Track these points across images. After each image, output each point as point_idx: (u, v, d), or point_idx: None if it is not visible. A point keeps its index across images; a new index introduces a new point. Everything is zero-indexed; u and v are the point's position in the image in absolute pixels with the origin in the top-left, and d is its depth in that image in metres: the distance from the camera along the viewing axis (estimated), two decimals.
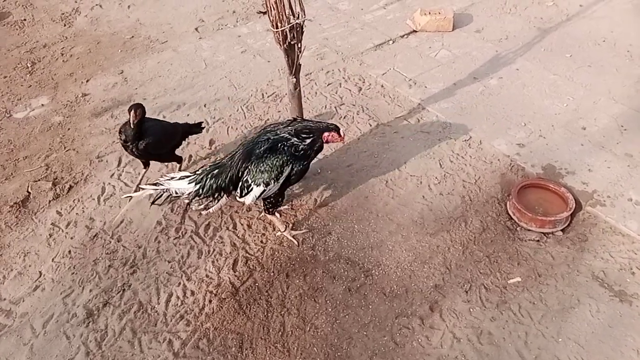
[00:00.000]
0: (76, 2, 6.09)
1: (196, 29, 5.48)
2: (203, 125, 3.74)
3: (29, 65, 5.04)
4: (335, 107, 4.27)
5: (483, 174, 3.57)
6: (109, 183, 3.66)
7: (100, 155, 3.89)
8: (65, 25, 5.69)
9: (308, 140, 2.97)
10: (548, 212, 3.23)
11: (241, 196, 3.02)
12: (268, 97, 4.44)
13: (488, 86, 4.39)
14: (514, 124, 3.97)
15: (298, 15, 2.80)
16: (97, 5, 5.99)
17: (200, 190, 2.98)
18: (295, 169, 2.98)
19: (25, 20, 5.80)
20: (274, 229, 3.24)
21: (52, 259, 3.14)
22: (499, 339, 2.63)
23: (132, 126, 3.10)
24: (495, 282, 2.90)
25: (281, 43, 2.87)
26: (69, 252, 3.19)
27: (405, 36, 5.16)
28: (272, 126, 3.10)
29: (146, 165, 3.51)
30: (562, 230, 3.18)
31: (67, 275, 3.05)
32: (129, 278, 3.01)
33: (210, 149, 3.93)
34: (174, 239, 3.24)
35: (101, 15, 5.81)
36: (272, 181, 2.92)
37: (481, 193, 3.44)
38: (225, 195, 3.02)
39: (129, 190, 3.58)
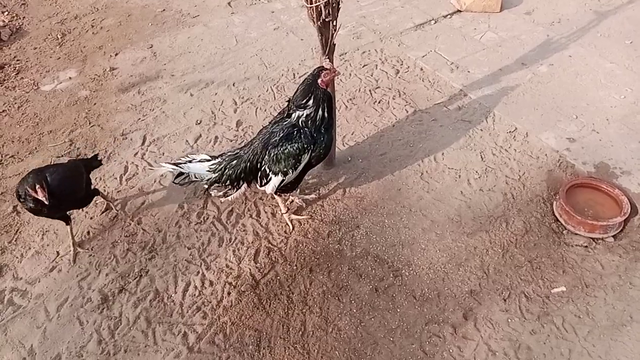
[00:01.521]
0: None
1: (229, 3, 5.28)
2: (100, 158, 3.24)
3: (59, 36, 4.95)
4: (369, 91, 4.02)
5: (528, 169, 3.29)
6: (132, 162, 3.54)
7: (124, 133, 3.77)
8: None
9: (310, 102, 2.70)
10: (599, 216, 2.94)
11: (261, 185, 2.87)
12: (300, 77, 4.22)
13: (537, 73, 4.05)
14: (565, 116, 3.65)
15: None
16: None
17: (219, 179, 2.84)
18: (314, 154, 2.79)
19: None
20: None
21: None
22: (538, 355, 2.39)
23: (46, 202, 2.59)
24: (537, 291, 2.65)
25: (315, 20, 2.64)
26: (88, 232, 3.09)
27: (449, 16, 4.82)
28: (281, 114, 2.90)
29: (67, 220, 2.95)
30: (613, 236, 2.89)
31: (84, 257, 2.95)
32: (147, 264, 2.89)
33: (237, 130, 3.75)
34: (195, 224, 3.10)
35: None
36: (290, 170, 2.77)
37: (525, 191, 3.17)
38: (244, 184, 2.88)
39: (152, 171, 3.45)
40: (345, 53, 4.44)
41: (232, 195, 2.90)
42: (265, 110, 3.91)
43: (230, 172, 2.82)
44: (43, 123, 3.93)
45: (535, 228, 2.96)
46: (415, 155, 3.43)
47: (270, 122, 2.93)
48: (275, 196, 3.03)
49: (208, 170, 2.84)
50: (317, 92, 2.70)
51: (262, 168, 2.80)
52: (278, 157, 2.73)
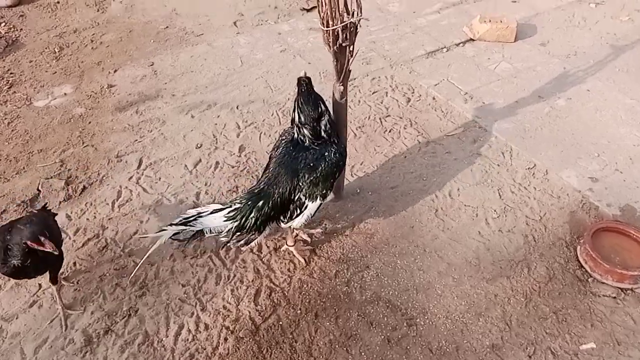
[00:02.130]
0: None
1: (234, 23, 5.12)
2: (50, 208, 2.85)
3: (56, 50, 4.76)
4: (380, 119, 3.83)
5: (549, 210, 3.08)
6: (126, 187, 3.30)
7: (119, 155, 3.54)
8: (98, 10, 5.40)
9: (323, 107, 2.59)
10: (626, 263, 2.73)
11: (291, 219, 2.59)
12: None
13: (555, 107, 3.88)
14: (585, 154, 3.46)
15: (353, 13, 2.37)
16: None
17: (245, 225, 2.47)
18: (343, 164, 2.69)
19: (58, 2, 5.55)
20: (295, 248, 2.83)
21: None
22: None
23: (56, 252, 2.26)
24: (565, 347, 2.41)
25: (331, 44, 2.45)
26: (74, 263, 2.84)
27: (461, 44, 4.68)
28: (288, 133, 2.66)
29: (55, 280, 2.55)
30: None
31: (69, 291, 2.70)
32: (137, 301, 2.64)
33: (240, 156, 3.54)
34: (191, 258, 2.86)
35: (136, 2, 5.50)
36: (329, 190, 2.59)
37: (547, 233, 2.95)
38: (271, 224, 2.57)
39: (148, 197, 3.23)
40: (355, 79, 4.26)
41: (255, 241, 2.57)
42: (269, 136, 3.70)
43: (257, 214, 2.47)
44: (33, 141, 3.71)
45: (559, 275, 2.74)
46: (428, 189, 3.22)
47: (276, 149, 2.65)
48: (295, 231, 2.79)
49: (226, 220, 2.45)
50: (319, 95, 2.59)
51: (297, 197, 2.54)
52: (316, 180, 2.51)
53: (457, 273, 2.74)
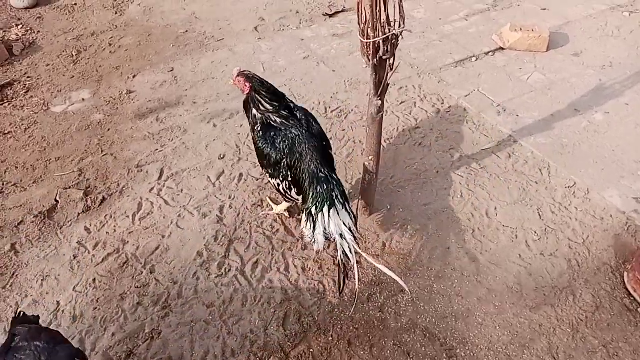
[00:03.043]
0: None
1: (255, 28, 4.99)
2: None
3: (74, 53, 4.65)
4: (409, 131, 3.68)
5: (592, 232, 2.92)
6: (147, 199, 3.18)
7: (140, 165, 3.41)
8: (116, 13, 5.30)
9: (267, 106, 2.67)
10: None
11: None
12: (332, 112, 3.89)
13: (592, 121, 3.71)
14: (628, 172, 3.29)
15: (397, 24, 2.23)
16: None
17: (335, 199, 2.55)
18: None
19: (76, 4, 5.45)
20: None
21: (74, 288, 2.67)
22: None
23: None
24: None
25: (370, 57, 2.30)
26: (94, 280, 2.71)
27: (491, 53, 4.52)
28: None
29: None
30: None
31: (88, 310, 2.57)
32: (160, 323, 2.50)
33: None
34: (216, 276, 2.72)
35: (155, 5, 5.40)
36: None
37: (591, 257, 2.79)
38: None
39: (170, 210, 3.09)
40: None
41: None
42: None
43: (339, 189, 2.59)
44: (51, 148, 3.59)
45: (606, 304, 2.57)
46: (464, 208, 3.06)
47: (272, 144, 2.62)
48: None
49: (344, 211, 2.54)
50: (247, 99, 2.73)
51: (329, 154, 2.73)
52: (324, 133, 2.78)
53: (498, 300, 2.58)
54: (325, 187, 2.53)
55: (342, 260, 2.50)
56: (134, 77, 4.31)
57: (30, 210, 3.10)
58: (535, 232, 2.92)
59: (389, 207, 3.11)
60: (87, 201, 3.16)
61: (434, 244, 2.87)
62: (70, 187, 3.25)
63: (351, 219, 2.53)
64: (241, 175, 3.34)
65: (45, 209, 3.10)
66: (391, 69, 2.37)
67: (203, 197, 3.19)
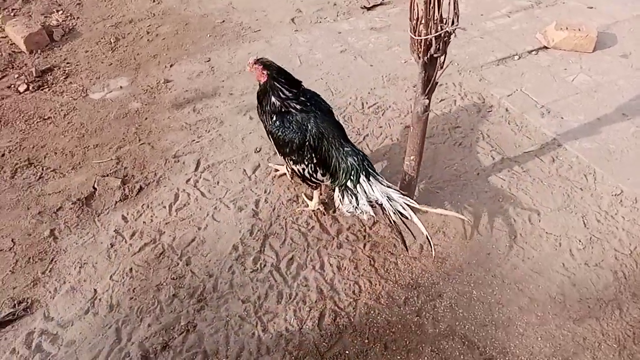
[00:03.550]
0: None
1: (292, 19, 4.94)
2: None
3: (112, 41, 4.67)
4: (449, 129, 3.59)
5: None
6: (184, 190, 3.17)
7: (177, 155, 3.41)
8: (154, 1, 5.31)
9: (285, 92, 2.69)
10: None
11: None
12: (369, 107, 3.83)
13: None
14: None
15: (451, 21, 2.15)
16: None
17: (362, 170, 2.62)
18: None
19: None
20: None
21: (111, 276, 2.68)
22: None
23: None
24: None
25: (421, 55, 2.24)
26: (130, 270, 2.72)
27: (535, 52, 4.38)
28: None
29: None
30: None
31: (125, 299, 2.58)
32: (195, 316, 2.50)
33: None
34: (251, 271, 2.71)
35: None
36: None
37: (639, 270, 2.68)
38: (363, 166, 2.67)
39: (206, 202, 3.09)
40: None
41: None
42: None
43: (366, 162, 2.64)
44: (89, 135, 3.62)
45: None
46: (505, 212, 2.98)
47: (292, 130, 2.66)
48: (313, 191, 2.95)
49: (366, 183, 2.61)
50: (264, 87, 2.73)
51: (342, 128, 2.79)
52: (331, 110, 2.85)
53: (540, 310, 2.50)
54: (356, 159, 2.60)
55: (395, 221, 2.54)
56: (171, 66, 4.31)
57: (69, 197, 3.13)
58: (580, 241, 2.82)
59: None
60: (124, 190, 3.17)
61: (474, 249, 2.79)
62: (108, 175, 3.27)
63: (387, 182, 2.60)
64: (277, 169, 3.30)
65: (84, 196, 3.13)
66: (441, 67, 2.30)
67: (239, 190, 3.17)
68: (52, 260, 2.77)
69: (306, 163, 2.68)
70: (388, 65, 4.26)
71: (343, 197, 2.63)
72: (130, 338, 2.41)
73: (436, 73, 2.31)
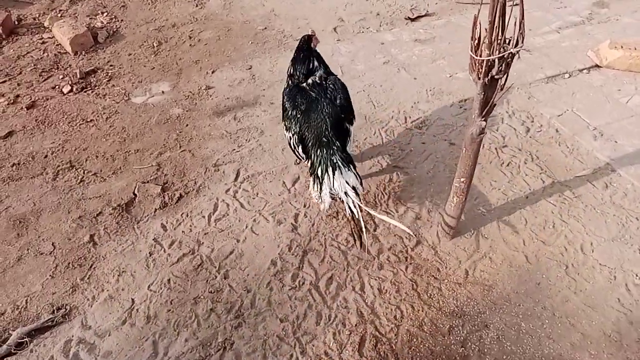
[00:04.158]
0: None
1: (334, 28, 4.88)
2: None
3: (155, 44, 4.70)
4: (495, 149, 3.47)
5: None
6: (223, 200, 3.14)
7: (217, 164, 3.38)
8: (197, 5, 5.33)
9: (316, 63, 2.98)
10: None
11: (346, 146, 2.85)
12: (412, 122, 3.73)
13: None
14: None
15: (515, 41, 2.05)
16: None
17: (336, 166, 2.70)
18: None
19: None
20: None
21: (149, 286, 2.66)
22: None
23: None
24: None
25: (481, 76, 2.14)
26: (168, 280, 2.69)
27: (586, 71, 4.21)
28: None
29: None
30: None
31: (162, 311, 2.55)
32: (232, 333, 2.45)
33: None
34: (290, 289, 2.64)
35: (235, 0, 5.38)
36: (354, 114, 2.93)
37: None
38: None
39: (245, 213, 3.04)
40: (465, 100, 3.92)
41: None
42: (371, 158, 3.43)
43: (342, 154, 2.72)
44: (131, 140, 3.62)
45: None
46: (556, 240, 2.84)
47: (295, 104, 2.85)
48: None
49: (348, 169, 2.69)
50: (317, 53, 2.98)
51: (346, 128, 2.85)
52: (349, 105, 2.90)
53: (594, 348, 2.36)
54: (325, 152, 2.68)
55: (352, 216, 2.61)
56: (212, 72, 4.30)
57: (109, 202, 3.13)
58: (637, 275, 2.66)
59: (472, 232, 2.93)
60: (164, 197, 3.15)
61: (523, 278, 2.67)
62: (148, 182, 3.26)
63: (356, 177, 2.65)
64: (298, 178, 3.23)
65: (124, 202, 3.12)
66: (502, 89, 2.19)
67: (278, 203, 3.11)
68: (91, 267, 2.76)
69: (292, 133, 2.83)
70: (432, 79, 4.16)
71: (313, 183, 2.72)
72: (167, 352, 2.37)
73: (495, 95, 2.20)
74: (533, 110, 3.78)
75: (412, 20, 4.98)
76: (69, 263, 2.77)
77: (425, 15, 5.03)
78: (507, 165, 3.34)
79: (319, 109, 2.78)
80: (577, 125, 3.64)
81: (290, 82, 2.98)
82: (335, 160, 2.65)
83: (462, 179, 2.59)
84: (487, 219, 3.00)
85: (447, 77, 4.16)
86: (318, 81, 2.91)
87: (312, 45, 3.00)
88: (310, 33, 3.04)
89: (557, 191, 3.14)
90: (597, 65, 4.25)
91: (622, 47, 4.15)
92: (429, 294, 2.61)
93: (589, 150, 3.42)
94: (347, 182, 2.61)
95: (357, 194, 2.62)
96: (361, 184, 2.68)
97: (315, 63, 2.96)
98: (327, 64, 3.03)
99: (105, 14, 5.15)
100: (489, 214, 3.03)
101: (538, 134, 3.58)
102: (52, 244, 2.88)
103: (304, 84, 2.91)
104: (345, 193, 2.61)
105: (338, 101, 2.84)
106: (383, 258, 2.80)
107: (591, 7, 5.09)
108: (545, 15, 4.99)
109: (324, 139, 2.72)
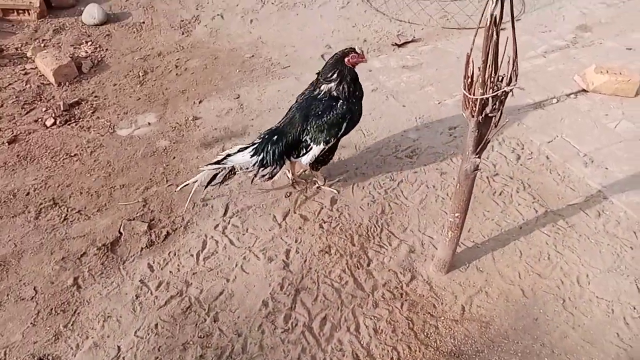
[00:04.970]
0: (197, 9, 5.70)
1: (322, 55, 4.87)
2: None
3: (140, 74, 4.64)
4: (487, 177, 3.44)
5: None
6: (212, 237, 3.06)
7: (205, 198, 3.31)
8: (183, 33, 5.29)
9: (334, 76, 2.96)
10: None
11: (297, 157, 3.10)
12: (402, 151, 3.70)
13: None
14: None
15: (507, 79, 2.03)
16: (218, 15, 5.56)
17: (265, 159, 3.01)
18: (350, 121, 3.06)
19: (143, 23, 5.48)
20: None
21: (135, 332, 2.55)
22: None
23: None
24: None
25: (475, 114, 2.11)
26: (156, 325, 2.59)
27: (573, 95, 4.23)
28: (313, 84, 3.12)
29: None
30: None
31: (149, 359, 2.44)
32: None
33: (332, 210, 3.24)
34: (282, 331, 2.56)
35: (221, 27, 5.36)
36: (332, 138, 3.04)
37: None
38: (286, 160, 3.09)
39: (235, 250, 2.97)
40: (455, 127, 3.91)
41: (277, 175, 3.08)
42: (363, 189, 3.39)
43: (274, 148, 3.00)
44: (116, 174, 3.54)
45: None
46: (552, 273, 2.80)
47: (301, 95, 3.18)
48: (314, 172, 3.31)
49: (252, 156, 2.99)
50: (343, 68, 2.96)
51: (303, 139, 3.05)
52: (321, 126, 2.99)
53: None
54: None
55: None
56: (199, 102, 4.25)
57: (94, 242, 3.03)
58: (634, 308, 2.63)
59: (467, 265, 2.88)
60: (150, 235, 3.06)
61: (520, 313, 2.62)
62: (134, 219, 3.17)
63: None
64: (306, 217, 3.18)
65: (109, 241, 3.03)
66: (495, 126, 2.16)
67: (269, 239, 3.04)
68: (75, 312, 2.65)
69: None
70: (421, 106, 4.15)
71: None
72: None
73: (490, 132, 2.18)
74: (523, 137, 3.78)
75: (399, 46, 4.99)
76: (51, 309, 2.66)
77: (412, 41, 5.05)
78: (500, 194, 3.32)
79: (290, 116, 3.11)
80: (567, 151, 3.63)
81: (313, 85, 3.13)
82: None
83: (456, 214, 2.54)
84: (481, 251, 2.96)
85: (435, 104, 4.15)
86: (315, 94, 3.06)
87: (345, 61, 2.96)
88: (358, 51, 2.97)
89: (550, 221, 3.11)
90: (584, 90, 4.27)
91: (607, 71, 4.19)
92: (425, 333, 2.54)
93: (580, 178, 3.41)
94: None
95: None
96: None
97: (334, 76, 2.98)
98: (348, 86, 3.00)
99: (90, 43, 5.09)
100: (483, 245, 2.99)
101: (529, 162, 3.56)
102: (34, 288, 2.77)
103: (314, 91, 3.07)
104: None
105: (311, 115, 3.01)
106: (378, 295, 2.73)
107: (575, 31, 5.15)
108: (531, 40, 5.03)
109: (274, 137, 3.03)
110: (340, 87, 2.99)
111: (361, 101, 3.12)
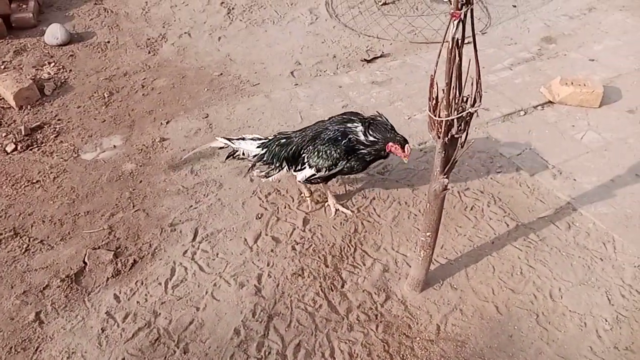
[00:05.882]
0: (164, 27, 5.61)
1: (292, 72, 4.84)
2: None
3: (105, 95, 4.53)
4: (458, 192, 3.45)
5: None
6: (181, 263, 2.97)
7: (173, 223, 3.22)
8: (149, 52, 5.20)
9: (371, 139, 2.95)
10: None
11: (295, 171, 3.11)
12: (374, 167, 3.68)
13: None
14: None
15: (472, 100, 2.03)
16: (185, 33, 5.48)
17: (265, 156, 3.11)
18: (348, 165, 3.02)
19: (109, 42, 5.36)
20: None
21: None
22: None
23: None
24: None
25: (441, 135, 2.10)
26: None
27: (540, 107, 4.29)
28: (353, 115, 3.11)
29: None
30: None
31: None
32: None
33: (305, 230, 3.19)
34: None
35: (189, 45, 5.29)
36: (324, 169, 3.02)
37: None
38: (286, 167, 3.11)
39: (204, 277, 2.88)
40: (425, 142, 3.91)
41: (272, 177, 3.15)
42: (335, 208, 3.35)
43: (277, 150, 3.09)
44: (80, 201, 3.42)
45: None
46: (525, 288, 2.81)
47: (334, 117, 3.16)
48: (299, 184, 3.28)
49: (257, 147, 3.14)
50: (380, 145, 2.95)
51: (303, 156, 3.06)
52: (320, 153, 2.99)
53: None
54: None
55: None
56: (167, 122, 4.16)
57: (57, 273, 2.91)
58: (606, 320, 2.64)
59: (441, 283, 2.87)
60: (117, 264, 2.96)
61: (495, 331, 2.60)
62: (99, 247, 3.06)
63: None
64: (279, 238, 3.12)
65: (73, 272, 2.91)
66: (462, 147, 2.16)
67: (240, 264, 2.97)
68: (37, 350, 2.53)
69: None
70: (391, 121, 4.13)
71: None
72: None
73: (456, 152, 2.17)
74: (492, 150, 3.81)
75: (368, 62, 5.00)
76: (11, 347, 2.53)
77: (381, 56, 5.07)
78: (471, 209, 3.32)
79: (309, 128, 3.17)
80: (536, 164, 3.67)
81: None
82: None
83: (427, 233, 2.53)
84: (455, 268, 2.94)
85: (405, 119, 4.16)
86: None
87: (389, 144, 2.94)
88: (407, 150, 2.95)
89: (521, 234, 3.13)
90: (550, 102, 4.34)
91: (572, 83, 4.27)
92: (401, 355, 2.50)
93: (549, 190, 3.45)
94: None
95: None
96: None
97: (371, 138, 2.96)
98: (369, 153, 3.00)
99: (53, 64, 4.96)
100: (456, 262, 2.98)
101: (499, 175, 3.59)
102: None
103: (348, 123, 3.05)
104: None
105: (319, 137, 3.03)
106: (352, 318, 2.69)
107: (540, 43, 5.25)
108: (498, 52, 5.10)
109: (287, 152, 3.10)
110: (362, 146, 2.97)
111: (365, 165, 3.10)
